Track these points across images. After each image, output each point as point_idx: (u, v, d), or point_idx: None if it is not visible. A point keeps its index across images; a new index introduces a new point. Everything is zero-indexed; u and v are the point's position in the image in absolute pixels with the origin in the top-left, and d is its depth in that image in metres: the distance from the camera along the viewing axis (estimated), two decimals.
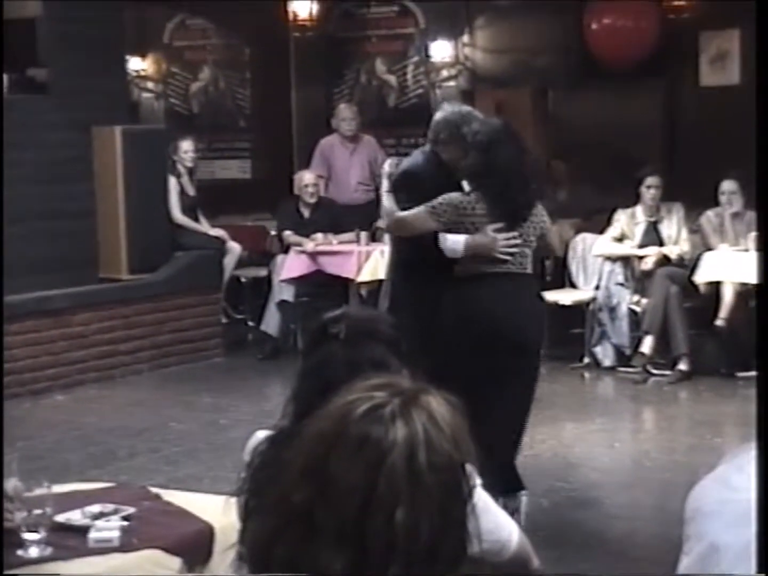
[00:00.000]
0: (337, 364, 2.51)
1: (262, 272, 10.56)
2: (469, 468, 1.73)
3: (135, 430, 7.50)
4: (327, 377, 2.50)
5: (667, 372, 8.59)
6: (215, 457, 6.88)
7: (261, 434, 2.64)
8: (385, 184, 5.62)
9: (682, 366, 8.52)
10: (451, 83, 12.29)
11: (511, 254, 5.22)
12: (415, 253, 5.42)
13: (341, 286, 9.66)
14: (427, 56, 12.25)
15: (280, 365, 9.34)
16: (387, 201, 5.51)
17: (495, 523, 2.52)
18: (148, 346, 9.20)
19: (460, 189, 5.33)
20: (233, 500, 2.60)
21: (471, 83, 12.32)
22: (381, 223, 5.69)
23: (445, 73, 12.28)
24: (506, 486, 5.09)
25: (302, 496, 1.68)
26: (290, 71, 12.96)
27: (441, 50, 12.19)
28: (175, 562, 2.96)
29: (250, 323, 10.55)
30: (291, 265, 9.71)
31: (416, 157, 5.64)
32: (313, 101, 12.78)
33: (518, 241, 5.24)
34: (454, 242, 5.21)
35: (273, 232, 10.56)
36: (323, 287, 9.73)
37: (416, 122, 12.36)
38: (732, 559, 1.81)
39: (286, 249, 9.90)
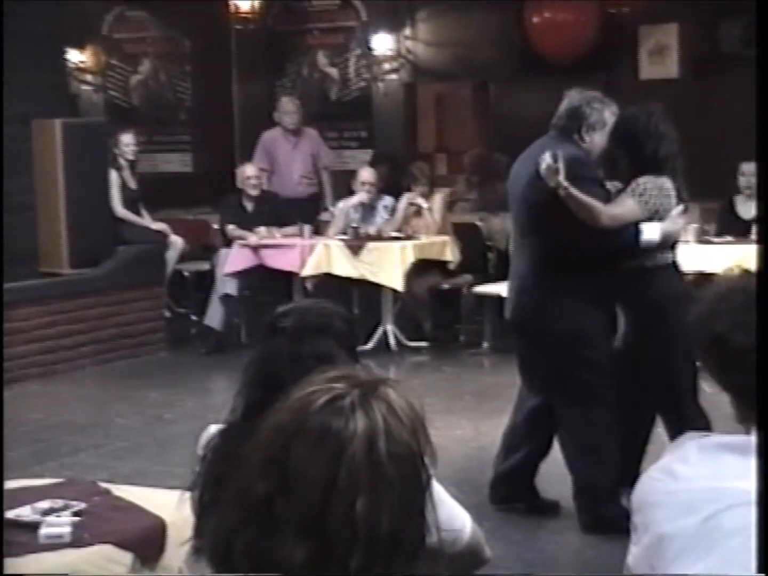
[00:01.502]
0: (282, 358, 2.52)
1: (205, 266, 10.53)
2: (427, 458, 1.75)
3: (79, 426, 7.45)
4: (273, 371, 2.51)
5: None
6: (161, 452, 6.85)
7: (213, 428, 2.64)
8: (561, 178, 4.96)
9: None
10: (393, 76, 12.31)
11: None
12: (580, 250, 5.19)
13: (285, 280, 9.65)
14: (369, 49, 12.27)
15: (224, 359, 9.31)
16: (579, 194, 5.03)
17: (449, 514, 2.54)
18: (90, 341, 9.13)
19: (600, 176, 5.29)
20: (186, 495, 2.60)
21: (413, 76, 12.35)
22: (604, 220, 5.06)
23: (387, 66, 12.30)
24: None
25: (263, 489, 1.69)
26: (231, 64, 12.93)
27: (383, 43, 12.21)
28: (127, 558, 2.95)
29: (194, 317, 10.51)
30: (234, 259, 9.68)
31: (563, 145, 5.15)
32: (254, 94, 12.75)
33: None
34: (650, 231, 5.14)
35: (215, 226, 10.52)
36: (267, 281, 9.72)
37: (358, 115, 12.41)
38: (678, 549, 1.84)
39: (229, 243, 9.87)
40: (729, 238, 8.67)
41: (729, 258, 8.39)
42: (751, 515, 1.80)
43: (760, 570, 1.72)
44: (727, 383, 1.95)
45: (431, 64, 12.24)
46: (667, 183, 5.20)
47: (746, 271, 1.95)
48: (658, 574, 1.86)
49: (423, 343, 9.47)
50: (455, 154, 12.80)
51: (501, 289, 9.14)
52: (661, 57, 11.18)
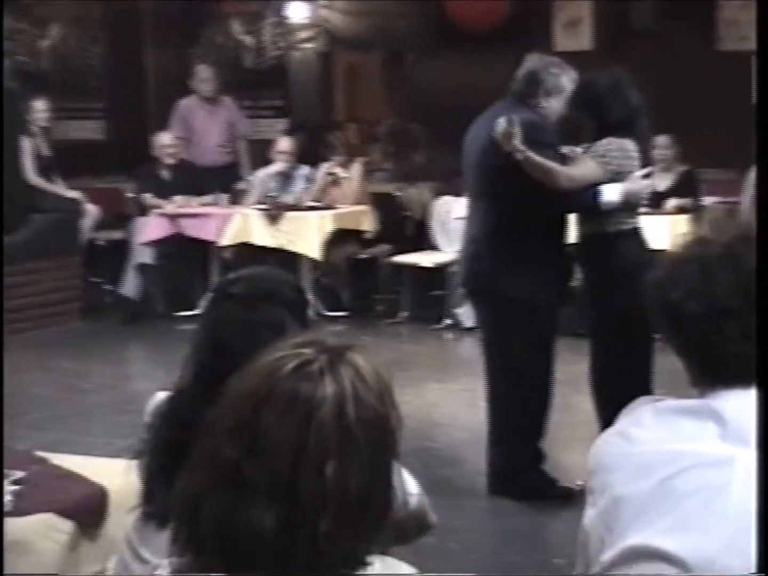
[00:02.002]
0: (233, 325, 2.52)
1: (119, 235, 10.40)
2: (393, 423, 1.77)
3: None
4: (223, 337, 2.52)
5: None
6: (81, 421, 6.79)
7: (161, 395, 2.63)
8: (517, 141, 4.87)
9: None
10: (309, 45, 12.24)
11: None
12: (536, 215, 5.17)
13: (202, 250, 9.59)
14: (285, 17, 12.18)
15: (139, 329, 9.25)
16: (537, 157, 4.95)
17: (399, 477, 2.56)
18: (4, 311, 8.99)
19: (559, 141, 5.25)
20: (133, 462, 2.59)
21: (328, 45, 12.30)
22: (562, 181, 5.00)
23: (302, 34, 12.22)
24: None
25: (231, 453, 1.70)
26: (144, 30, 12.74)
27: (298, 12, 12.12)
28: (68, 526, 2.93)
29: (108, 287, 10.40)
30: (151, 228, 9.59)
31: (518, 110, 5.09)
32: (168, 61, 12.59)
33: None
34: (610, 192, 5.12)
35: (130, 195, 10.41)
36: (183, 250, 9.65)
37: (274, 84, 12.33)
38: (634, 510, 1.89)
39: (145, 211, 9.77)
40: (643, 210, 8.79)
41: (643, 229, 8.53)
42: (704, 477, 1.85)
43: (760, 570, 1.77)
44: (682, 349, 2.00)
45: (347, 33, 12.19)
46: (629, 145, 5.20)
47: (702, 239, 1.99)
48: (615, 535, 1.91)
49: (341, 313, 9.48)
50: (369, 124, 12.79)
51: (418, 258, 9.24)
52: (574, 29, 11.27)
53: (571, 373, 7.94)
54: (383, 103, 13.10)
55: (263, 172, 9.78)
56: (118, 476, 2.97)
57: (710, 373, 1.95)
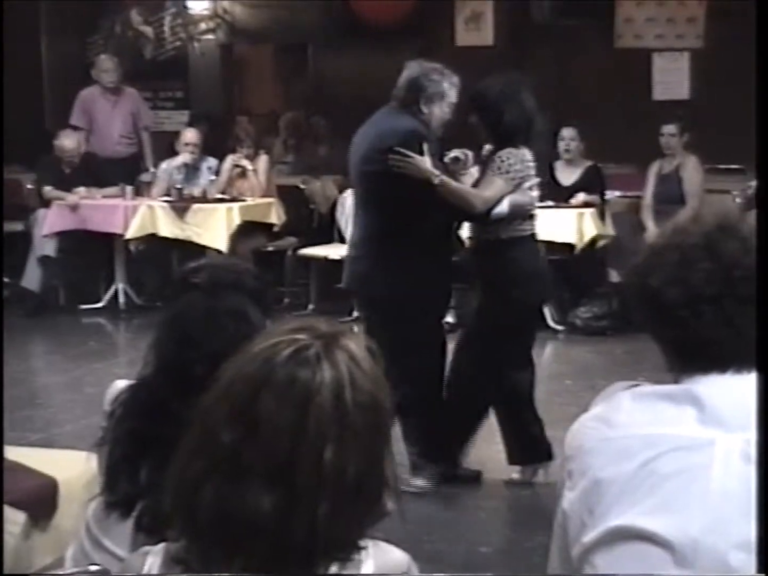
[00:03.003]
0: (196, 314, 2.52)
1: (18, 227, 10.21)
2: (388, 408, 1.79)
3: None
4: (187, 326, 2.51)
5: None
6: None
7: (121, 384, 2.61)
8: (429, 167, 5.03)
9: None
10: (210, 36, 12.17)
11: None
12: (422, 217, 5.19)
13: (106, 242, 9.47)
14: (185, 8, 12.09)
15: (43, 322, 9.11)
16: (453, 183, 5.15)
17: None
18: None
19: (442, 147, 5.29)
20: (93, 453, 2.57)
21: (230, 37, 12.24)
22: (479, 206, 5.11)
23: (203, 26, 12.14)
24: None
25: (229, 438, 1.71)
26: (40, 18, 12.52)
27: (199, 2, 12.04)
28: (21, 517, 2.89)
29: (6, 279, 10.19)
30: (53, 220, 9.43)
31: (401, 117, 5.21)
32: (65, 51, 12.40)
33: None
34: (500, 205, 5.20)
35: (29, 186, 10.23)
36: (87, 243, 9.50)
37: (174, 75, 12.22)
38: (616, 493, 1.93)
39: (47, 203, 9.61)
40: (549, 203, 8.90)
41: (548, 223, 8.64)
42: (684, 460, 1.90)
43: (760, 570, 1.80)
44: (659, 335, 2.05)
45: (249, 25, 12.14)
46: (527, 154, 5.29)
47: (682, 228, 2.04)
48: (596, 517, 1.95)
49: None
50: (265, 117, 12.74)
51: (325, 251, 9.23)
52: (476, 24, 11.38)
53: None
54: (283, 96, 13.08)
55: (169, 164, 9.69)
56: (66, 467, 2.95)
57: (688, 359, 2.00)
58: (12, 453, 3.25)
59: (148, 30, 12.33)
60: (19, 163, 10.74)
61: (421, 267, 5.21)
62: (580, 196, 8.88)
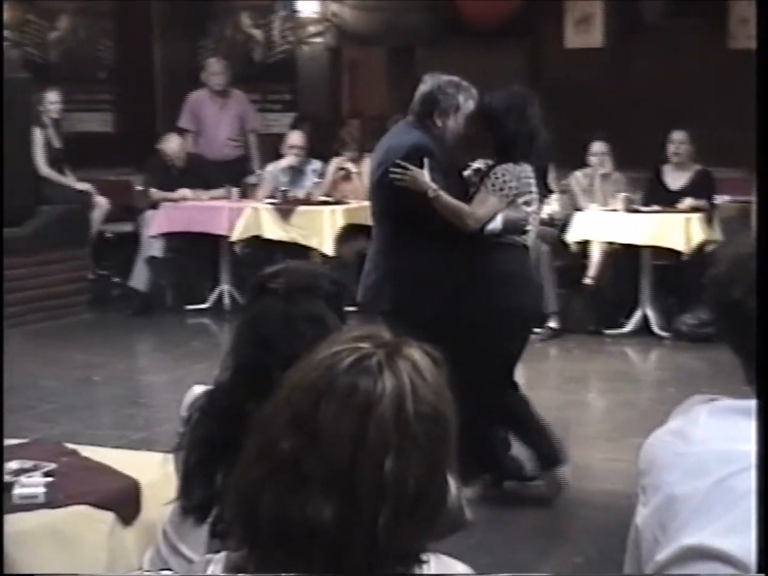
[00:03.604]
0: (274, 319, 2.51)
1: (127, 228, 10.39)
2: (451, 419, 1.76)
3: (5, 388, 7.30)
4: (264, 331, 2.50)
5: (538, 330, 8.74)
6: (92, 414, 6.78)
7: (198, 389, 2.61)
8: (427, 180, 5.15)
9: (552, 324, 8.69)
10: (318, 40, 12.22)
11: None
12: (422, 230, 5.26)
13: (212, 243, 9.57)
14: (294, 11, 12.16)
15: (149, 321, 9.24)
16: (446, 197, 5.20)
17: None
18: (13, 302, 8.96)
19: (454, 162, 5.34)
20: (170, 456, 2.58)
21: (338, 40, 12.28)
22: (470, 223, 5.19)
23: (311, 29, 12.20)
24: None
25: (289, 446, 1.69)
26: (153, 23, 12.72)
27: (308, 6, 12.10)
28: (108, 517, 2.91)
29: (116, 279, 10.38)
30: (160, 222, 9.57)
31: (411, 132, 5.34)
32: (176, 54, 12.58)
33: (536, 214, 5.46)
34: (494, 221, 5.24)
35: (138, 187, 10.39)
36: (193, 244, 9.63)
37: (283, 78, 12.31)
38: (691, 510, 1.86)
39: (155, 204, 9.75)
40: (656, 208, 8.78)
41: (655, 228, 8.53)
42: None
43: (760, 570, 1.74)
44: (739, 346, 1.98)
45: (356, 28, 12.17)
46: (525, 170, 5.27)
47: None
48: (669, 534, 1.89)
49: (351, 308, 9.43)
50: (375, 119, 12.75)
51: None
52: (586, 25, 11.25)
53: (582, 371, 7.97)
54: (390, 99, 13.07)
55: (275, 166, 9.76)
56: (149, 469, 2.96)
57: None
58: (96, 454, 3.28)
59: (257, 33, 12.43)
60: (129, 165, 10.93)
61: (427, 280, 5.26)
62: (687, 201, 8.72)
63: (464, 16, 11.35)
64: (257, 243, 9.28)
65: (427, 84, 5.40)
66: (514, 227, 5.31)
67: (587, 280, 8.74)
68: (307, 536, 1.67)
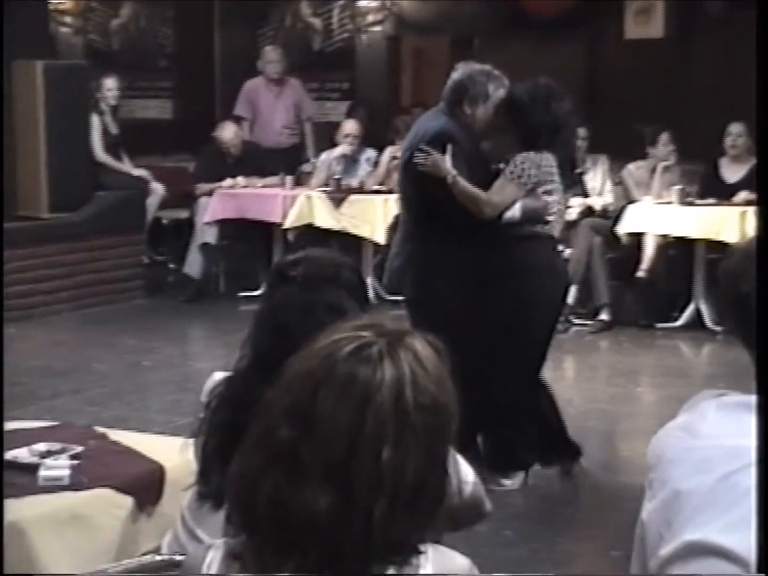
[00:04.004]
0: (293, 307, 2.51)
1: (184, 214, 10.46)
2: (452, 411, 1.75)
3: (57, 371, 7.41)
4: (283, 320, 2.51)
5: (589, 322, 8.70)
6: (140, 398, 6.84)
7: (218, 375, 2.63)
8: (446, 166, 5.18)
9: (604, 316, 8.64)
10: (377, 28, 12.22)
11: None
12: (446, 217, 5.31)
13: (265, 230, 9.61)
14: (353, 0, 12.16)
15: (202, 308, 9.30)
16: (463, 182, 5.21)
17: (455, 463, 2.54)
18: (68, 286, 9.08)
19: (481, 150, 5.39)
20: (190, 441, 2.59)
21: (397, 29, 12.27)
22: (486, 210, 5.18)
23: (370, 18, 12.21)
24: None
25: (288, 434, 1.69)
26: (213, 11, 12.79)
27: None
28: (127, 501, 2.94)
29: (171, 265, 10.46)
30: (215, 208, 9.62)
31: (439, 119, 5.39)
32: (236, 43, 12.64)
33: (561, 205, 5.49)
34: (512, 209, 5.26)
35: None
36: (246, 231, 9.67)
37: (341, 67, 12.33)
38: (695, 505, 1.85)
39: (210, 191, 9.81)
40: (711, 201, 8.68)
41: (709, 221, 8.43)
42: None
43: (760, 570, 1.72)
44: (749, 342, 1.95)
45: (415, 17, 12.16)
46: (546, 159, 5.29)
47: None
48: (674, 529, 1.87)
49: (401, 297, 9.43)
50: None
51: None
52: (646, 16, 11.14)
53: (633, 365, 7.91)
54: None
55: (328, 155, 9.78)
56: (176, 454, 2.98)
57: None
58: (126, 438, 3.32)
59: (316, 22, 12.45)
60: (187, 152, 11.00)
61: (449, 270, 5.30)
62: (743, 194, 8.62)
63: (523, 7, 11.29)
64: (310, 231, 9.30)
65: (458, 72, 5.47)
66: (534, 216, 5.31)
67: (640, 273, 8.66)
68: (303, 525, 1.67)
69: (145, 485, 2.98)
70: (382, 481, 1.65)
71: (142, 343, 8.21)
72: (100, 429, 3.43)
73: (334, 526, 1.66)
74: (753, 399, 1.92)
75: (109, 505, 2.91)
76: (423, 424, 1.69)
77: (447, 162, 5.18)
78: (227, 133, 9.86)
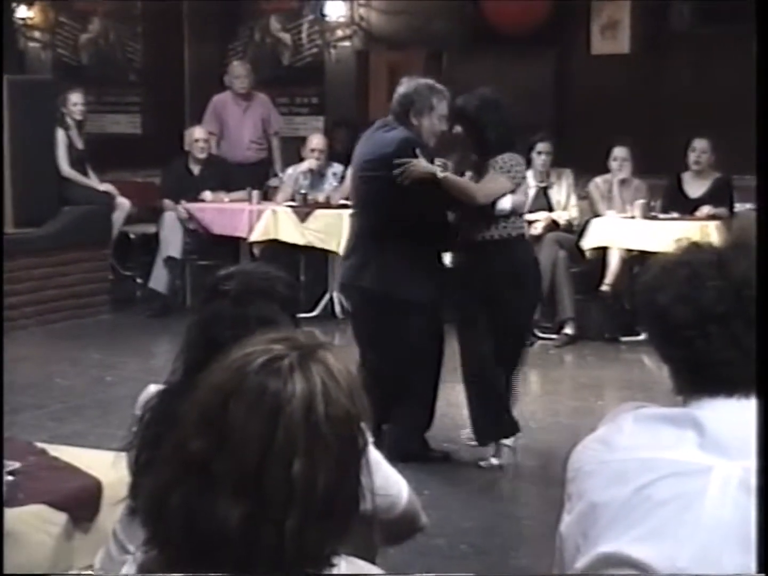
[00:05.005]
0: (225, 321, 2.51)
1: (152, 229, 10.42)
2: (364, 423, 1.75)
3: (19, 386, 7.35)
4: (215, 333, 2.51)
5: (554, 336, 8.72)
6: (101, 414, 6.81)
7: (152, 389, 2.63)
8: (431, 166, 5.67)
9: (568, 330, 8.66)
10: (346, 43, 12.23)
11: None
12: (423, 221, 5.70)
13: (231, 245, 9.60)
14: (322, 15, 12.17)
15: (168, 323, 9.26)
16: (455, 177, 5.79)
17: (385, 479, 2.54)
18: (33, 301, 9.05)
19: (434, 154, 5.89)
20: (123, 455, 2.58)
21: (365, 44, 12.29)
22: (480, 198, 5.66)
23: (339, 33, 12.22)
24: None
25: (199, 446, 1.68)
26: (183, 26, 12.78)
27: (336, 10, 12.11)
28: (61, 518, 2.92)
29: (139, 280, 10.43)
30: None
31: (395, 128, 5.76)
32: (205, 57, 12.63)
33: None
34: (504, 201, 5.73)
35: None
36: (213, 245, 9.65)
37: (310, 82, 12.33)
38: (610, 517, 1.86)
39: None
40: (674, 215, 8.72)
41: (672, 235, 8.44)
42: (680, 486, 1.82)
43: (760, 570, 1.74)
44: (667, 355, 1.97)
45: (384, 32, 12.18)
46: (520, 158, 5.87)
47: (694, 244, 1.96)
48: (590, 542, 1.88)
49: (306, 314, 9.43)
50: None
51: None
52: (613, 32, 11.19)
53: (596, 378, 7.92)
54: None
55: (295, 169, 9.78)
56: (116, 469, 2.97)
57: (695, 381, 1.92)
58: (66, 453, 3.30)
59: (286, 37, 12.46)
60: (156, 167, 10.98)
61: (414, 262, 5.67)
62: (705, 209, 8.66)
63: (492, 23, 11.32)
64: (277, 245, 9.29)
65: (404, 86, 5.86)
66: (520, 209, 5.90)
67: (604, 287, 8.69)
68: (214, 538, 1.67)
69: (81, 501, 2.96)
70: (293, 492, 1.65)
71: (106, 358, 8.19)
72: (40, 445, 3.42)
73: (246, 538, 1.66)
74: (670, 411, 1.93)
75: (43, 522, 2.89)
76: (334, 436, 1.69)
77: (425, 162, 5.61)
78: (197, 131, 9.89)
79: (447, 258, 6.03)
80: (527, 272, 5.88)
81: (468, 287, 5.79)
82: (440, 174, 5.61)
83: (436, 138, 5.84)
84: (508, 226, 5.78)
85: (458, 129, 5.89)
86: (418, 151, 5.62)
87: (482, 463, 5.91)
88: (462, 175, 5.94)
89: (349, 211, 9.10)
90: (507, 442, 5.93)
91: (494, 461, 5.91)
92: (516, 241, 5.84)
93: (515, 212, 5.80)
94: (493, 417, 5.89)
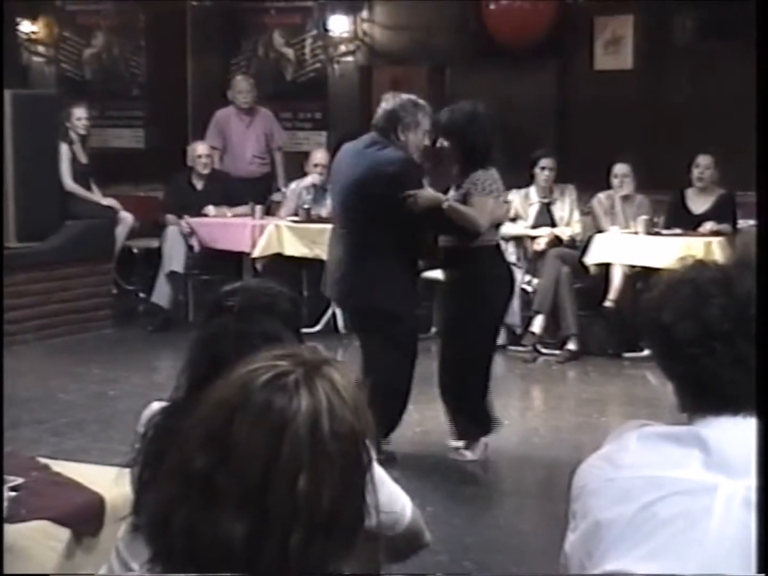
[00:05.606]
0: (228, 337, 2.50)
1: (155, 243, 10.42)
2: (369, 440, 1.75)
3: (21, 400, 7.36)
4: (218, 349, 2.50)
5: (556, 351, 8.71)
6: (103, 429, 6.80)
7: (156, 405, 2.62)
8: (439, 196, 5.85)
9: (571, 346, 8.65)
10: (349, 59, 12.25)
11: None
12: (408, 237, 5.81)
13: (234, 260, 9.60)
14: (326, 30, 12.19)
15: (170, 337, 9.26)
16: (459, 206, 5.85)
17: (390, 496, 2.54)
18: (35, 316, 9.05)
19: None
20: (126, 471, 2.58)
21: (369, 59, 12.30)
22: (483, 226, 5.85)
23: (343, 48, 12.23)
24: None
25: (203, 463, 1.68)
26: (186, 40, 12.80)
27: (339, 25, 12.13)
28: (64, 533, 2.91)
29: (141, 295, 10.43)
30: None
31: (386, 146, 5.82)
32: (209, 72, 12.64)
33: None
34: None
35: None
36: (215, 260, 9.66)
37: (314, 96, 12.34)
38: (614, 536, 1.85)
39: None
40: (677, 231, 8.72)
41: (676, 251, 8.46)
42: (685, 504, 1.81)
43: (760, 570, 1.73)
44: (671, 372, 1.96)
45: (387, 47, 12.19)
46: (495, 173, 5.93)
47: (699, 261, 1.96)
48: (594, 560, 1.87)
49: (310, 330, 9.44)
50: None
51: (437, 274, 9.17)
52: (615, 47, 11.20)
53: (599, 394, 7.91)
54: None
55: (298, 184, 9.79)
56: (120, 485, 2.96)
57: (699, 399, 1.91)
58: (69, 469, 3.29)
59: (289, 52, 12.47)
60: (159, 181, 10.98)
61: (399, 277, 5.83)
62: (709, 225, 8.66)
63: (495, 37, 11.33)
64: (280, 260, 9.29)
65: (389, 102, 5.94)
66: (498, 221, 6.14)
67: (608, 303, 8.68)
68: (218, 555, 1.66)
69: (85, 517, 2.95)
70: (297, 509, 1.64)
71: (108, 373, 8.19)
72: (43, 460, 3.41)
73: (250, 555, 1.65)
74: (674, 430, 1.92)
75: (46, 537, 2.88)
76: (339, 452, 1.68)
77: (430, 191, 5.81)
78: (200, 147, 9.90)
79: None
80: (500, 275, 6.05)
81: (449, 295, 6.10)
82: (445, 205, 5.75)
83: (420, 153, 5.95)
84: (480, 238, 5.91)
85: (443, 143, 5.98)
86: (425, 181, 5.86)
87: (456, 456, 6.11)
88: (446, 192, 6.05)
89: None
90: (484, 439, 6.12)
91: (468, 455, 6.10)
92: (488, 250, 6.00)
93: (492, 224, 5.99)
94: (472, 416, 6.10)
